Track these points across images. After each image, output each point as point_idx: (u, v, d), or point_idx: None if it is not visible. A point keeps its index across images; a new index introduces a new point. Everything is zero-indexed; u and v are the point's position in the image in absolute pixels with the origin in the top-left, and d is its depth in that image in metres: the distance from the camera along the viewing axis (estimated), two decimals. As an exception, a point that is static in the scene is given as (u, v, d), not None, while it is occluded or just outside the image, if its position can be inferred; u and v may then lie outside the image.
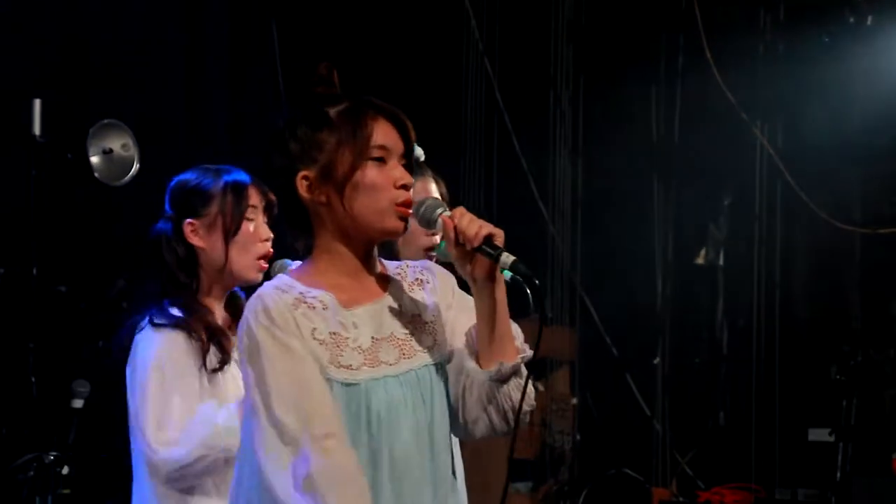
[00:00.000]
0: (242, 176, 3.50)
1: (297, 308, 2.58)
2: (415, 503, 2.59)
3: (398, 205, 2.62)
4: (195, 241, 3.48)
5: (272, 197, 3.44)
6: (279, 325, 2.55)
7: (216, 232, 3.46)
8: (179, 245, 3.48)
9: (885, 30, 7.37)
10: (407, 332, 2.66)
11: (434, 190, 3.47)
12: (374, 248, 2.68)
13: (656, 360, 7.91)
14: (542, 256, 7.74)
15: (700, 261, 7.99)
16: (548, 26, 7.96)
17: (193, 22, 6.42)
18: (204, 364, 3.37)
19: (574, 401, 7.69)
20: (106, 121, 5.34)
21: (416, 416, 2.60)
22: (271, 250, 3.47)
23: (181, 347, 3.37)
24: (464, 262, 2.62)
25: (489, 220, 2.64)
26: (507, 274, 2.76)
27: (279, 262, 3.47)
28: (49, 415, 4.94)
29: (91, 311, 5.31)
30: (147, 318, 3.41)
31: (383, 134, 2.63)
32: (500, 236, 2.59)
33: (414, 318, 2.68)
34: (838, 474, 6.36)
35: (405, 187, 2.62)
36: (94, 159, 5.29)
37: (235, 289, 3.50)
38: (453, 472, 2.70)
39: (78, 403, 4.78)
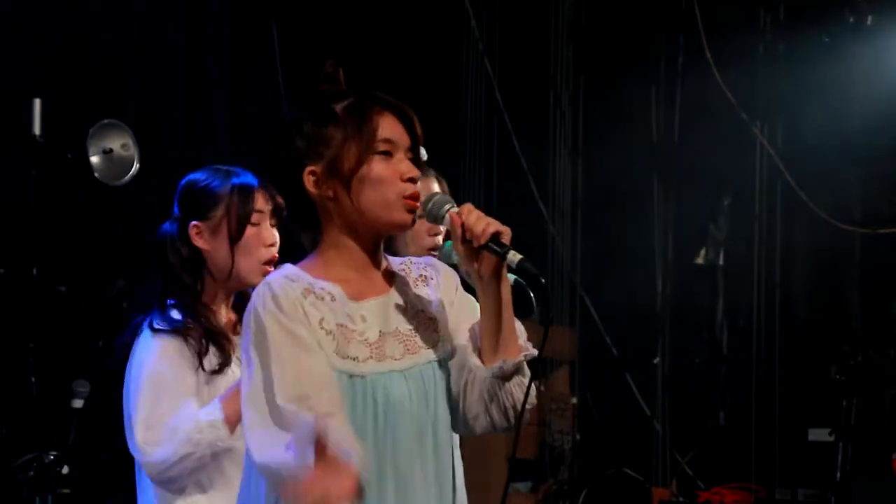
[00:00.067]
0: (250, 179, 3.49)
1: (305, 297, 2.59)
2: (418, 498, 2.60)
3: (405, 198, 2.62)
4: (200, 243, 3.47)
5: (280, 201, 3.44)
6: (287, 313, 2.55)
7: (221, 235, 3.45)
8: (184, 247, 3.48)
9: (885, 30, 7.37)
10: (411, 327, 2.66)
11: (437, 189, 3.47)
12: (380, 243, 2.69)
13: (656, 360, 7.91)
14: (542, 256, 7.73)
15: (700, 261, 7.99)
16: (548, 26, 7.96)
17: (193, 22, 6.41)
18: (202, 367, 3.37)
19: (574, 400, 7.69)
20: (106, 121, 5.34)
21: (419, 412, 2.61)
22: (276, 255, 3.46)
23: (178, 353, 3.37)
24: (470, 259, 2.62)
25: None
26: (511, 277, 2.77)
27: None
28: (49, 415, 4.94)
29: (91, 311, 5.31)
30: (147, 321, 3.41)
31: (389, 128, 2.64)
32: (507, 234, 2.60)
33: (418, 314, 2.68)
34: (838, 474, 6.36)
35: (412, 180, 2.63)
36: (94, 159, 5.29)
37: (249, 290, 3.50)
38: (454, 469, 2.71)
39: (78, 403, 4.78)
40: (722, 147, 7.76)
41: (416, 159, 2.67)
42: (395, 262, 2.74)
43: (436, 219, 2.71)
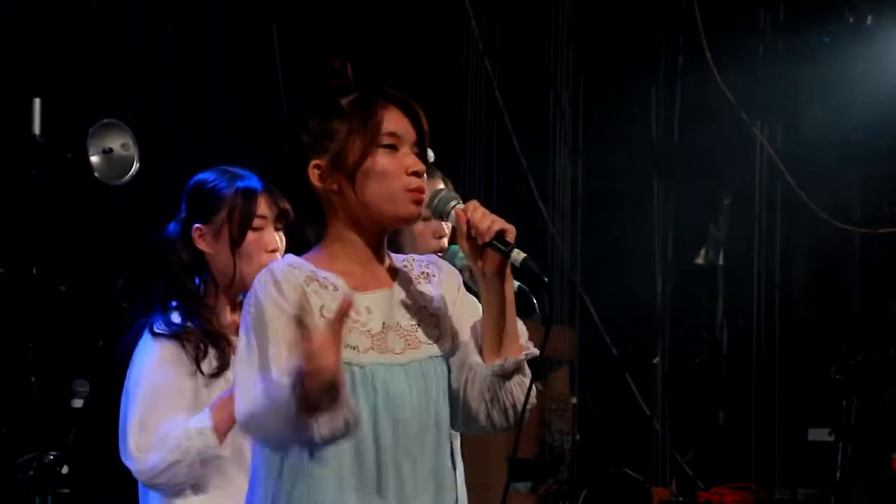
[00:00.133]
0: (254, 183, 3.47)
1: (308, 285, 2.59)
2: (417, 494, 2.59)
3: (410, 191, 2.62)
4: (202, 246, 3.47)
5: (285, 205, 3.43)
6: (287, 298, 2.55)
7: (223, 239, 3.45)
8: (185, 249, 3.47)
9: (885, 30, 7.37)
10: (413, 323, 2.67)
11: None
12: (384, 239, 2.69)
13: (656, 360, 7.91)
14: (542, 256, 7.73)
15: (700, 261, 8.00)
16: (548, 26, 7.96)
17: (193, 22, 6.41)
18: (201, 371, 3.37)
19: (574, 400, 7.68)
20: (106, 120, 5.34)
21: (419, 407, 2.61)
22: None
23: (176, 358, 3.37)
24: (474, 256, 2.63)
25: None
26: (515, 284, 2.77)
27: None
28: (49, 414, 4.94)
29: (91, 310, 5.30)
30: (149, 325, 3.41)
31: (394, 121, 2.64)
32: (511, 232, 2.61)
33: (420, 311, 2.69)
34: (838, 474, 6.36)
35: (417, 174, 2.63)
36: (94, 159, 5.29)
37: None
38: (453, 466, 2.71)
39: (78, 403, 4.78)
40: (722, 147, 7.76)
41: (422, 154, 2.67)
42: (397, 259, 2.74)
43: (441, 215, 2.71)
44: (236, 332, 3.40)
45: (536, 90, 7.99)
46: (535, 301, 3.16)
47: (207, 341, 3.37)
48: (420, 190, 2.63)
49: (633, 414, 7.83)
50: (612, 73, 7.91)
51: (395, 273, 2.71)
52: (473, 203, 2.66)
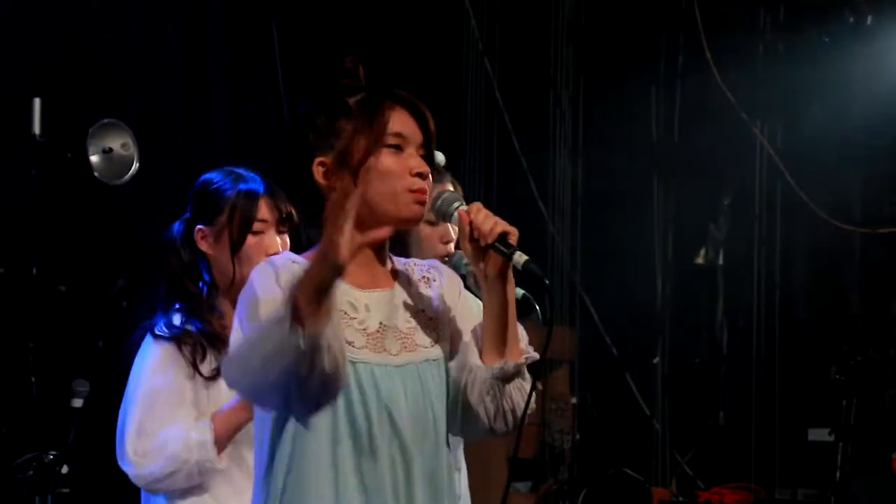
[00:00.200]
0: (256, 186, 3.47)
1: None
2: (412, 497, 2.59)
3: (413, 191, 2.62)
4: (204, 247, 3.47)
5: (288, 209, 3.43)
6: (284, 288, 2.53)
7: (224, 242, 3.44)
8: (186, 250, 3.47)
9: (885, 30, 7.37)
10: (411, 325, 2.67)
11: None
12: (386, 241, 2.69)
13: (656, 360, 7.91)
14: (542, 256, 7.74)
15: (700, 261, 8.00)
16: (548, 26, 7.97)
17: (193, 22, 6.41)
18: (199, 373, 3.37)
19: (574, 400, 7.69)
20: (106, 120, 5.33)
21: (416, 410, 2.61)
22: None
23: (175, 361, 3.37)
24: (476, 258, 2.64)
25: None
26: (519, 292, 2.77)
27: None
28: (49, 414, 4.93)
29: (91, 310, 5.30)
30: (150, 327, 3.41)
31: (400, 122, 2.64)
32: (514, 235, 2.61)
33: (419, 314, 2.69)
34: (838, 474, 6.36)
35: (421, 175, 2.63)
36: (94, 159, 5.29)
37: None
38: (453, 471, 2.70)
39: (78, 403, 4.78)
40: (722, 147, 7.77)
41: (428, 156, 2.67)
42: (399, 262, 2.74)
43: (444, 216, 2.72)
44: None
45: (536, 90, 7.99)
46: (537, 308, 3.16)
47: (206, 343, 3.37)
48: (423, 191, 2.63)
49: (633, 414, 7.83)
50: (612, 73, 7.92)
51: (395, 275, 2.71)
52: (477, 205, 2.66)
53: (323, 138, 2.64)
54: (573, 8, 7.99)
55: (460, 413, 2.67)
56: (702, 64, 7.54)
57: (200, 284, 3.46)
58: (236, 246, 3.43)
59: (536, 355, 2.69)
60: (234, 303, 3.43)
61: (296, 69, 6.40)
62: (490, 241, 2.61)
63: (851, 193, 7.57)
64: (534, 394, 2.67)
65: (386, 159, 2.62)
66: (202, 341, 3.37)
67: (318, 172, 2.64)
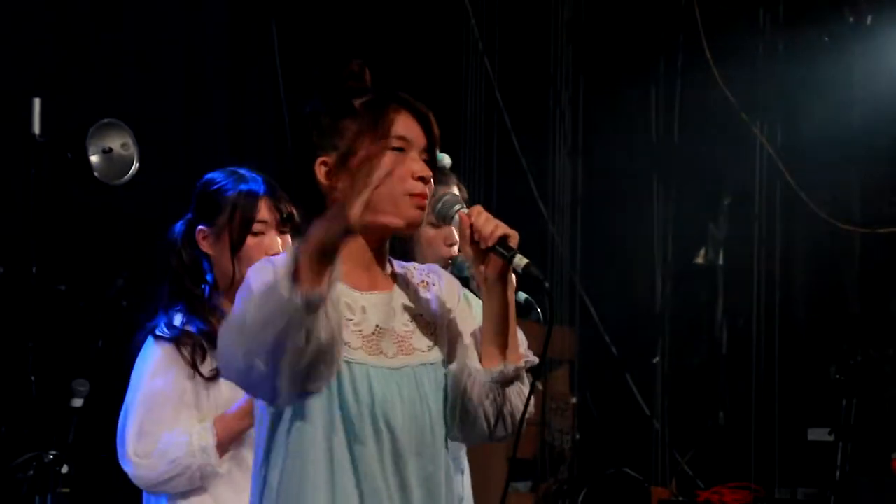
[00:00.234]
0: (257, 187, 3.47)
1: None
2: (406, 500, 2.59)
3: (413, 195, 2.62)
4: (205, 247, 3.47)
5: (289, 210, 3.43)
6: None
7: (224, 243, 3.45)
8: (186, 251, 3.47)
9: (885, 30, 7.38)
10: (409, 329, 2.67)
11: (457, 194, 3.49)
12: (386, 243, 2.69)
13: (656, 360, 7.91)
14: (542, 256, 7.74)
15: (700, 261, 8.00)
16: (548, 26, 7.97)
17: (193, 22, 6.41)
18: (199, 374, 3.37)
19: (573, 400, 7.69)
20: (106, 120, 5.33)
21: (412, 412, 2.61)
22: None
23: (175, 362, 3.38)
24: (477, 261, 2.64)
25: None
26: (522, 296, 2.76)
27: None
28: (49, 414, 4.93)
29: (90, 310, 5.30)
30: (153, 328, 3.41)
31: (404, 126, 2.65)
32: (514, 238, 2.62)
33: (416, 318, 2.69)
34: (838, 474, 6.36)
35: (423, 180, 2.63)
36: (94, 158, 5.29)
37: None
38: (452, 474, 2.70)
39: (77, 402, 4.78)
40: (722, 147, 7.77)
41: (431, 161, 2.67)
42: (398, 265, 2.75)
43: (444, 218, 2.73)
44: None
45: (536, 90, 8.00)
46: (539, 311, 3.16)
47: (206, 343, 3.37)
48: (423, 196, 2.63)
49: (633, 414, 7.83)
50: (612, 73, 7.92)
51: (395, 278, 2.71)
52: (477, 208, 2.66)
53: (326, 138, 2.64)
54: (573, 8, 8.00)
55: (459, 417, 2.67)
56: (702, 63, 7.55)
57: (203, 285, 3.46)
58: (236, 246, 3.43)
59: (536, 359, 2.69)
60: (234, 303, 3.45)
61: (296, 69, 6.40)
62: (490, 243, 2.61)
63: (851, 193, 7.57)
64: (532, 398, 2.67)
65: (388, 161, 2.61)
66: (202, 342, 3.37)
67: (320, 172, 2.64)
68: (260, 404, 2.62)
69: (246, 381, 2.48)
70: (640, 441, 7.73)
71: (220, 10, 6.55)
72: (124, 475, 3.43)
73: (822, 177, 7.47)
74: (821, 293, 7.71)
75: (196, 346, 3.37)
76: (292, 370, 2.40)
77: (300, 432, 2.55)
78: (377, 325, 2.63)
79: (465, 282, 2.86)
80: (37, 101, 5.33)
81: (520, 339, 2.70)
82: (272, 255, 3.34)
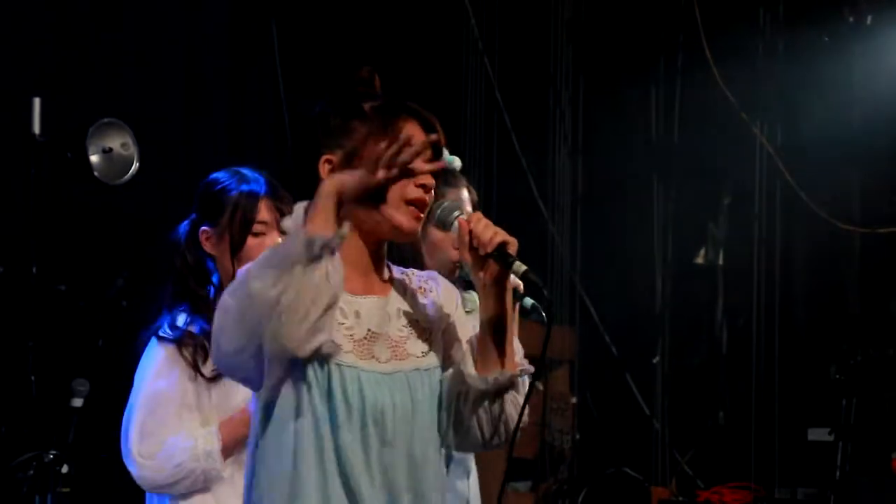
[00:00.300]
0: (257, 188, 3.47)
1: None
2: None
3: (411, 200, 2.62)
4: (209, 248, 3.47)
5: (290, 210, 3.43)
6: None
7: (226, 243, 3.45)
8: (189, 252, 3.47)
9: (885, 30, 7.37)
10: (403, 334, 2.67)
11: (466, 197, 3.51)
12: (383, 249, 2.70)
13: (656, 360, 7.91)
14: (542, 256, 7.74)
15: (700, 261, 8.00)
16: (548, 26, 7.97)
17: (193, 22, 6.41)
18: (201, 374, 3.37)
19: (574, 400, 7.69)
20: (106, 119, 5.33)
21: (404, 417, 2.61)
22: None
23: (177, 363, 3.38)
24: (476, 267, 2.65)
25: (489, 219, 2.66)
26: (529, 302, 2.77)
27: None
28: (49, 413, 4.93)
29: (90, 309, 5.31)
30: (157, 328, 3.41)
31: (412, 133, 2.65)
32: (513, 245, 2.63)
33: (412, 323, 2.69)
34: (838, 474, 6.35)
35: (424, 187, 2.64)
36: (94, 158, 5.28)
37: None
38: (440, 479, 2.69)
39: (77, 402, 4.78)
40: (722, 147, 7.76)
41: (434, 170, 2.68)
42: (397, 271, 2.75)
43: (444, 224, 2.74)
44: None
45: (536, 90, 7.99)
46: (545, 314, 3.17)
47: (208, 344, 3.37)
48: (423, 202, 2.64)
49: (633, 414, 7.82)
50: (612, 73, 7.92)
51: (392, 283, 2.72)
52: (477, 214, 2.68)
53: (333, 137, 2.66)
54: (573, 7, 8.00)
55: (454, 425, 2.67)
56: (702, 63, 7.55)
57: (209, 286, 3.46)
58: (236, 247, 3.43)
59: (531, 368, 2.71)
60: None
61: (296, 69, 6.40)
62: (489, 250, 2.62)
63: (851, 193, 7.57)
64: (527, 409, 2.68)
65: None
66: (204, 343, 3.37)
67: (323, 169, 2.65)
68: (253, 406, 2.63)
69: (236, 359, 2.50)
70: (640, 441, 7.73)
71: (220, 10, 6.55)
72: (124, 475, 3.43)
73: (822, 177, 7.46)
74: (821, 293, 7.71)
75: (198, 347, 3.37)
76: (285, 324, 2.42)
77: (289, 435, 2.56)
78: (370, 330, 2.63)
79: (472, 286, 2.85)
80: (37, 101, 5.33)
81: (516, 347, 2.70)
82: None
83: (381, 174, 2.52)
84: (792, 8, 7.60)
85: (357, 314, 2.63)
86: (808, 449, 7.00)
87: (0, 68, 5.56)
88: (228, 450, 3.32)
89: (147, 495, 3.48)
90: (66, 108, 5.58)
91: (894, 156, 7.38)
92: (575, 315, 7.90)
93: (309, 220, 2.47)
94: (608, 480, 7.48)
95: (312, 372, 2.55)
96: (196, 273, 3.46)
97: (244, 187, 3.46)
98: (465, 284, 3.27)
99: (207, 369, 3.37)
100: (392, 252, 2.78)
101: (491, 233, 2.62)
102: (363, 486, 2.56)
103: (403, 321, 2.68)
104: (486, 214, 2.69)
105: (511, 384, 2.66)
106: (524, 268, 2.62)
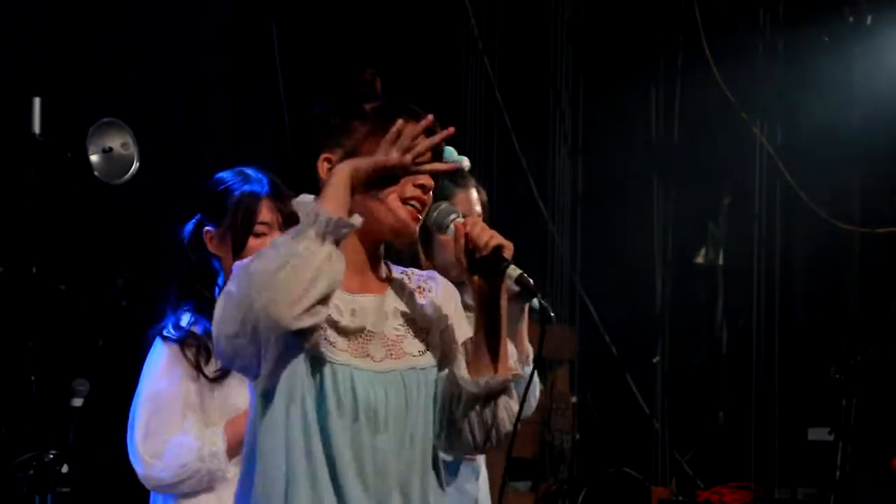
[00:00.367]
0: (259, 188, 3.47)
1: None
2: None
3: (408, 199, 2.63)
4: (212, 248, 3.47)
5: (291, 211, 3.43)
6: None
7: (228, 243, 3.45)
8: (193, 252, 3.47)
9: (885, 30, 7.38)
10: (399, 333, 2.67)
11: (475, 198, 3.51)
12: (381, 248, 2.70)
13: (656, 360, 7.91)
14: (542, 256, 7.74)
15: (700, 261, 8.00)
16: (548, 26, 7.97)
17: (193, 22, 6.41)
18: (204, 374, 3.37)
19: (574, 400, 7.69)
20: (106, 119, 5.33)
21: (397, 417, 2.60)
22: None
23: (180, 362, 3.38)
24: (471, 270, 2.64)
25: (489, 219, 2.67)
26: (537, 303, 2.79)
27: None
28: (49, 413, 4.94)
29: (90, 309, 5.31)
30: (162, 328, 3.41)
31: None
32: (509, 249, 2.62)
33: (409, 322, 2.69)
34: (838, 473, 6.35)
35: (422, 188, 2.64)
36: (94, 158, 5.29)
37: None
38: (441, 485, 2.69)
39: (77, 402, 4.78)
40: (722, 147, 7.76)
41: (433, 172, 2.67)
42: (396, 270, 2.75)
43: (440, 227, 2.73)
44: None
45: (536, 90, 7.99)
46: (552, 315, 3.19)
47: (211, 345, 3.37)
48: (421, 203, 2.64)
49: (633, 413, 7.82)
50: (612, 73, 7.92)
51: (390, 282, 2.72)
52: (473, 218, 2.70)
53: (333, 136, 2.66)
54: (573, 7, 8.00)
55: (445, 426, 2.67)
56: (702, 63, 7.55)
57: (214, 287, 3.46)
58: (238, 248, 3.43)
59: (524, 374, 2.70)
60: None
61: (296, 69, 6.40)
62: (485, 253, 2.62)
63: (851, 193, 7.57)
64: (520, 416, 2.68)
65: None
66: (207, 343, 3.37)
67: (322, 168, 2.66)
68: (250, 395, 2.63)
69: (235, 343, 2.49)
70: (640, 441, 7.73)
71: (220, 10, 6.55)
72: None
73: (822, 177, 7.46)
74: (821, 293, 7.71)
75: (201, 348, 3.37)
76: (285, 302, 2.41)
77: (282, 431, 2.55)
78: (365, 329, 2.63)
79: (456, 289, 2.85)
80: (37, 101, 5.33)
81: (510, 351, 2.70)
82: None
83: (395, 156, 2.51)
84: (792, 8, 7.60)
85: (353, 312, 2.62)
86: (808, 449, 7.00)
87: (0, 68, 5.56)
88: (233, 450, 3.33)
89: (151, 494, 3.48)
90: (66, 108, 5.58)
91: (894, 156, 7.38)
92: (575, 315, 7.90)
93: (321, 201, 2.47)
94: (608, 480, 7.48)
95: (306, 369, 2.55)
96: (201, 273, 3.46)
97: (246, 188, 3.46)
98: None
99: (210, 370, 3.37)
100: (390, 252, 2.78)
101: (487, 236, 2.62)
102: (354, 486, 2.55)
103: (400, 320, 2.68)
104: (486, 215, 2.69)
105: (503, 389, 2.65)
106: (519, 271, 2.62)
